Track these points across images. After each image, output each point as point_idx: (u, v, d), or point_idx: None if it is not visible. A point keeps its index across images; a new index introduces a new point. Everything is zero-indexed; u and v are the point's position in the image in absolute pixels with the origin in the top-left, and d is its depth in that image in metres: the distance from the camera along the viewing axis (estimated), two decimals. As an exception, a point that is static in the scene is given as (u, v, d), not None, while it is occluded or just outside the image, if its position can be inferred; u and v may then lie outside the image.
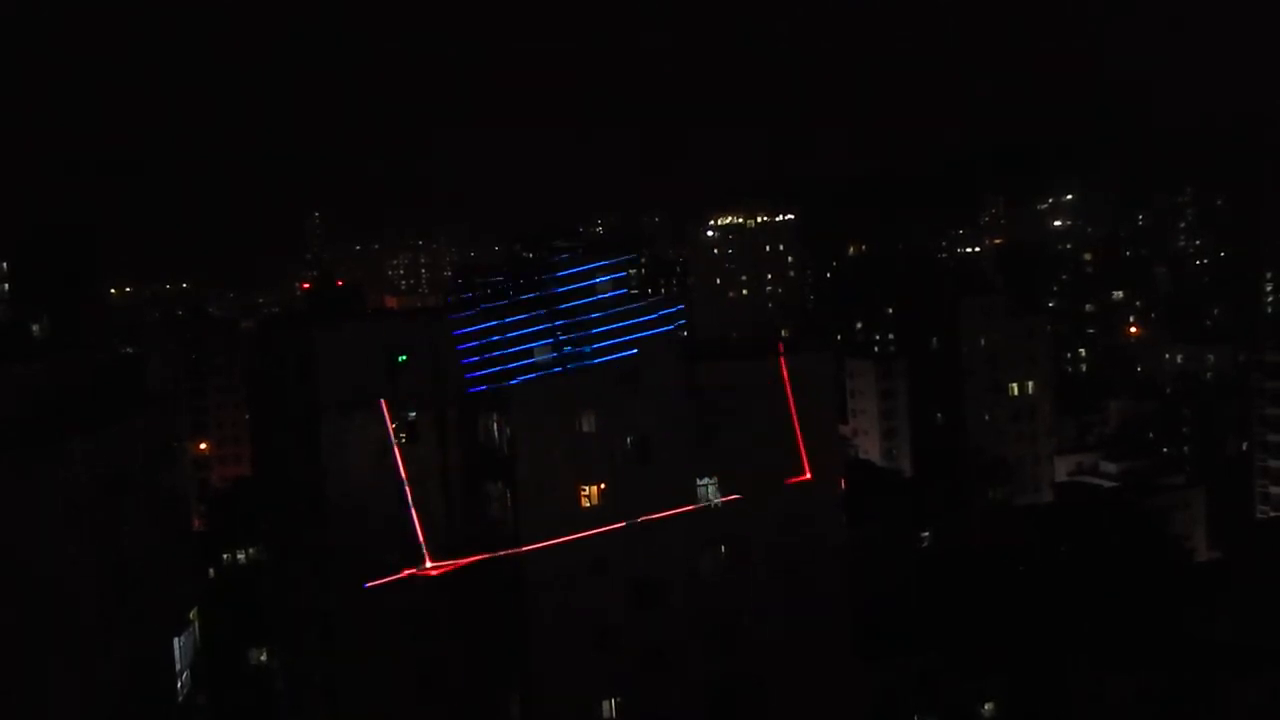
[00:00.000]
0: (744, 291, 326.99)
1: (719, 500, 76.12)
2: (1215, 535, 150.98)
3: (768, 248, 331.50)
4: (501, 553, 74.53)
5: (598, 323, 76.58)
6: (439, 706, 77.52)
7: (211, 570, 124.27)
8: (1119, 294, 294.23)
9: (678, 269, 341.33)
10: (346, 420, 77.19)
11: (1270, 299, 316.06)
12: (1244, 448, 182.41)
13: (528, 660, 74.34)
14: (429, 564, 76.90)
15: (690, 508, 75.27)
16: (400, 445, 78.40)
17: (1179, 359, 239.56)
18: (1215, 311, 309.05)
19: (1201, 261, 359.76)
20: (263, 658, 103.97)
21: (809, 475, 77.07)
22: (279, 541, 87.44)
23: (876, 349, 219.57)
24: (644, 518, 74.10)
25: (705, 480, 76.50)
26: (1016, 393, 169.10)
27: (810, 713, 76.70)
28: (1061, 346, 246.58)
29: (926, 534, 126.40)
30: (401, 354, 78.72)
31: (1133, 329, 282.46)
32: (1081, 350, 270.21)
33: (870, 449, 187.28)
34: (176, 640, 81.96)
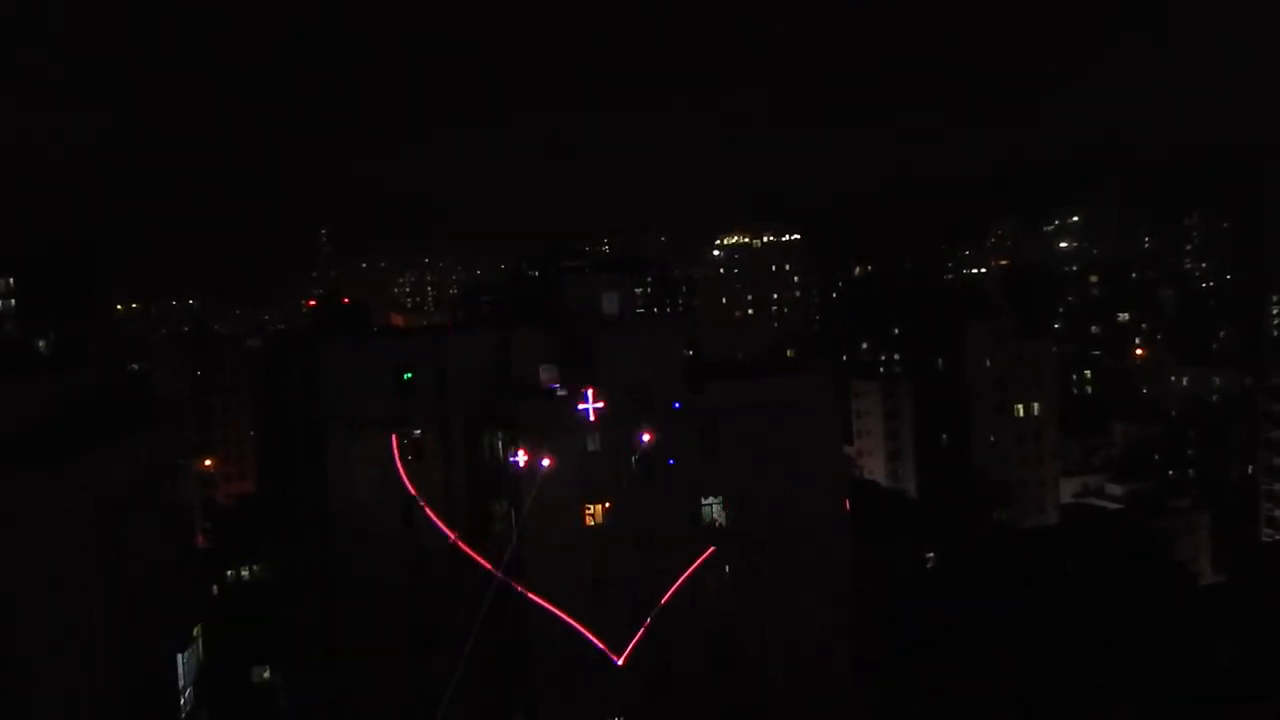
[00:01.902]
0: (750, 311, 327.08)
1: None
2: (1220, 559, 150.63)
3: (774, 267, 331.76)
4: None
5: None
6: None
7: (215, 587, 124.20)
8: (1125, 316, 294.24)
9: (684, 288, 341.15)
10: (351, 437, 77.22)
11: (1276, 322, 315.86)
12: (1249, 471, 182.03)
13: (532, 682, 74.25)
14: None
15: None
16: (405, 463, 78.43)
17: (1184, 382, 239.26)
18: (1221, 334, 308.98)
19: (1207, 284, 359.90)
20: (265, 675, 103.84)
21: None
22: (283, 558, 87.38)
23: (882, 370, 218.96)
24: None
25: (710, 500, 76.51)
26: (1022, 414, 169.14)
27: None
28: (1067, 368, 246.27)
29: (932, 555, 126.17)
30: (407, 371, 78.77)
31: (1138, 351, 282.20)
32: (1087, 372, 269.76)
33: (875, 470, 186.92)
34: (180, 657, 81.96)
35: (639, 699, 73.94)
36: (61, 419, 72.76)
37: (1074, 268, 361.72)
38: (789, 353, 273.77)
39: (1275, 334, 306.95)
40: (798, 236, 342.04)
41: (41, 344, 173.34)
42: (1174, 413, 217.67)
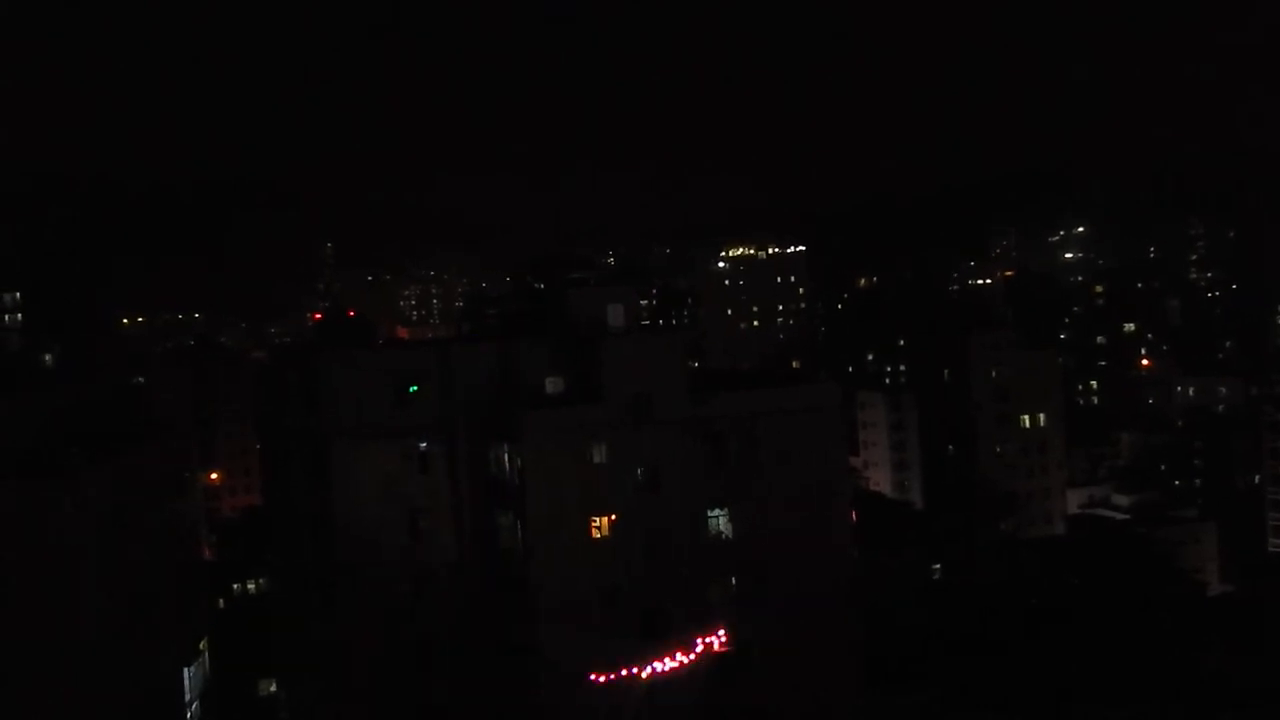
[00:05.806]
0: (754, 323, 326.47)
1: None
2: (1227, 569, 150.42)
3: (779, 279, 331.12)
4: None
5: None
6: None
7: (221, 600, 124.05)
8: (1130, 326, 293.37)
9: (688, 300, 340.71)
10: (356, 450, 77.19)
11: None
12: (1255, 481, 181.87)
13: (540, 694, 74.14)
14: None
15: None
16: (411, 475, 78.38)
17: (1190, 392, 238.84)
18: (1227, 344, 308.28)
19: (1213, 294, 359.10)
20: (272, 688, 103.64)
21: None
22: (288, 572, 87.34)
23: (887, 381, 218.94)
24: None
25: (717, 511, 76.43)
26: (1028, 425, 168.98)
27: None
28: (1072, 379, 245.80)
29: (937, 566, 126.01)
30: (412, 384, 78.76)
31: (1144, 362, 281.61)
32: (1093, 383, 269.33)
33: (881, 481, 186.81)
34: (187, 670, 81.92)
35: (646, 709, 73.77)
36: (66, 432, 72.77)
37: (1079, 277, 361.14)
38: (794, 364, 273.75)
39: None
40: (803, 248, 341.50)
41: (48, 357, 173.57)
42: (1180, 423, 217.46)
